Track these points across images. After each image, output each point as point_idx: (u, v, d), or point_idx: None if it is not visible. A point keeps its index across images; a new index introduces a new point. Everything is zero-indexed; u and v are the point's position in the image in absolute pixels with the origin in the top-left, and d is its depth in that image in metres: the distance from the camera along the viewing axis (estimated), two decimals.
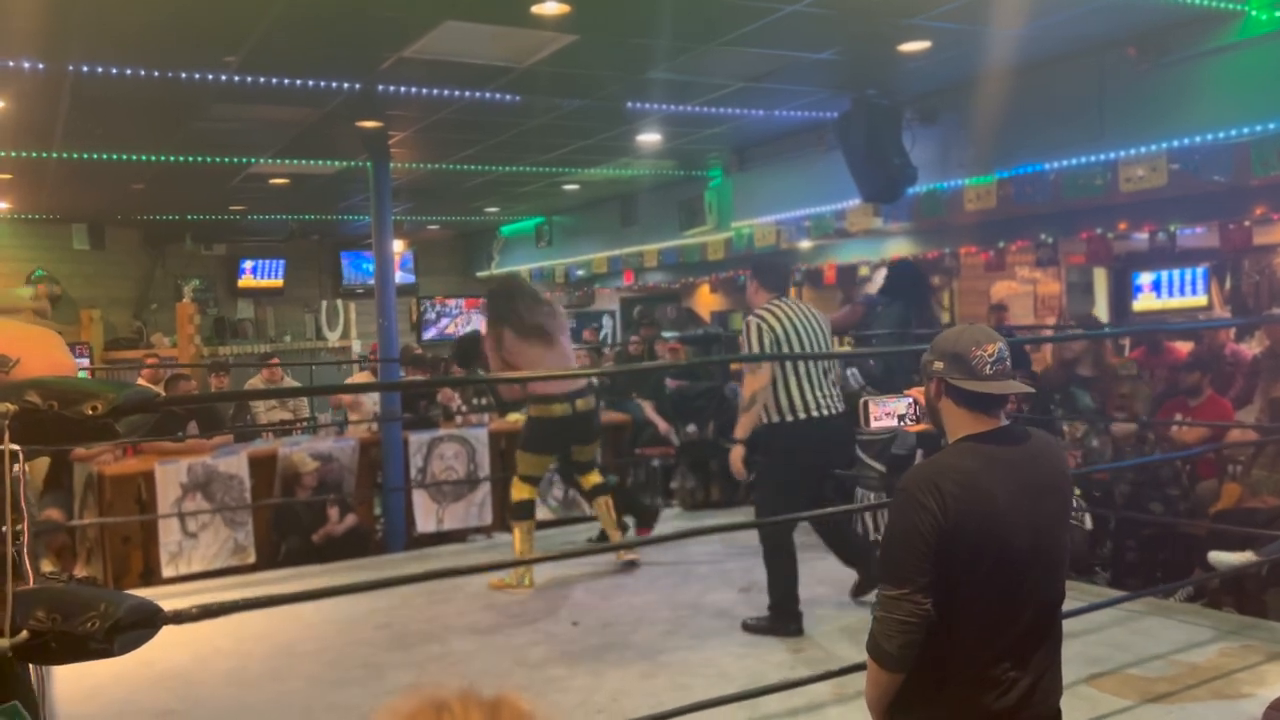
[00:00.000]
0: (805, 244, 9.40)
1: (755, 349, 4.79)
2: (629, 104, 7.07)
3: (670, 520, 7.60)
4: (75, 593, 2.22)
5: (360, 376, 9.84)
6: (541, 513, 7.18)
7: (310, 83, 6.14)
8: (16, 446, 2.01)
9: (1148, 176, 5.83)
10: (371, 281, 8.82)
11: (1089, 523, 5.97)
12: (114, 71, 5.61)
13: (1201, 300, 8.70)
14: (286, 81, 6.05)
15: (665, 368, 8.72)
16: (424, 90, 6.42)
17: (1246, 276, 9.83)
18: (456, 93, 6.52)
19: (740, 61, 6.10)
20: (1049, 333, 9.26)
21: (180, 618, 2.49)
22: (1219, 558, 5.18)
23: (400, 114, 7.10)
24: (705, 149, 9.17)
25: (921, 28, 5.53)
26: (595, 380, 6.84)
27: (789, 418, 4.79)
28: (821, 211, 8.41)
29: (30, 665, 2.27)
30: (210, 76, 5.85)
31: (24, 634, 2.05)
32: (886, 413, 2.67)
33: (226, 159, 8.49)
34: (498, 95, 6.61)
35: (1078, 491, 5.90)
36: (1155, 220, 7.14)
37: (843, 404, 4.96)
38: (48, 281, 11.61)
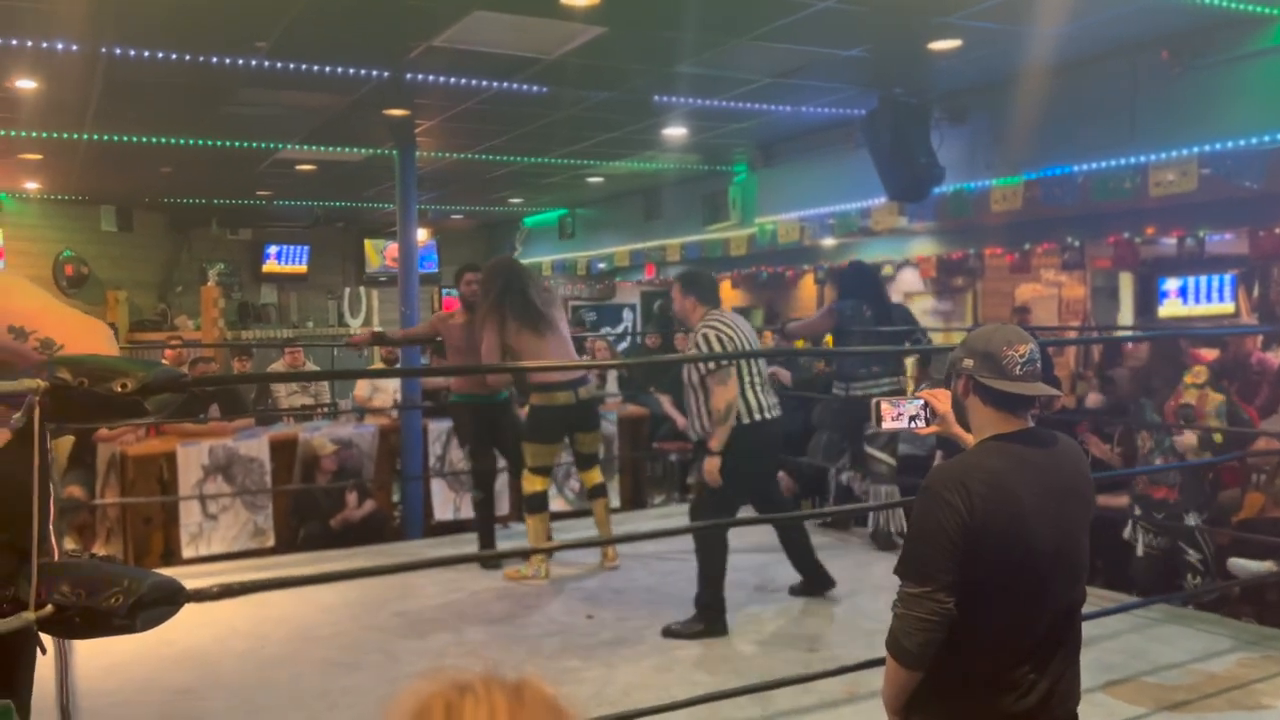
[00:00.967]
0: (829, 241, 9.37)
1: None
2: (656, 97, 7.07)
3: (687, 516, 7.60)
4: (100, 568, 2.24)
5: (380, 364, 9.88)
6: (558, 504, 7.18)
7: (339, 70, 6.17)
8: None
9: (1178, 181, 5.78)
10: (394, 269, 8.86)
11: (1140, 548, 5.86)
12: (146, 55, 5.65)
13: (1228, 308, 8.60)
14: (315, 68, 6.08)
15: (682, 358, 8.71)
16: (451, 79, 6.44)
17: (1275, 284, 9.72)
18: (484, 83, 6.54)
19: (768, 57, 6.08)
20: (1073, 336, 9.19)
21: (201, 596, 2.51)
22: (1240, 564, 5.14)
23: (427, 103, 7.12)
24: (731, 144, 9.15)
25: (953, 26, 5.49)
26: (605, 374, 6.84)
27: (745, 420, 4.88)
28: (846, 209, 8.39)
29: (52, 642, 2.30)
30: (240, 61, 5.89)
31: (49, 607, 2.07)
32: (898, 414, 2.66)
33: (254, 144, 8.55)
34: (525, 86, 6.62)
35: (1137, 512, 5.83)
36: (1184, 225, 7.08)
37: (780, 408, 5.16)
38: (75, 262, 11.73)
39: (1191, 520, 5.70)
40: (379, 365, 9.72)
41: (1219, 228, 7.08)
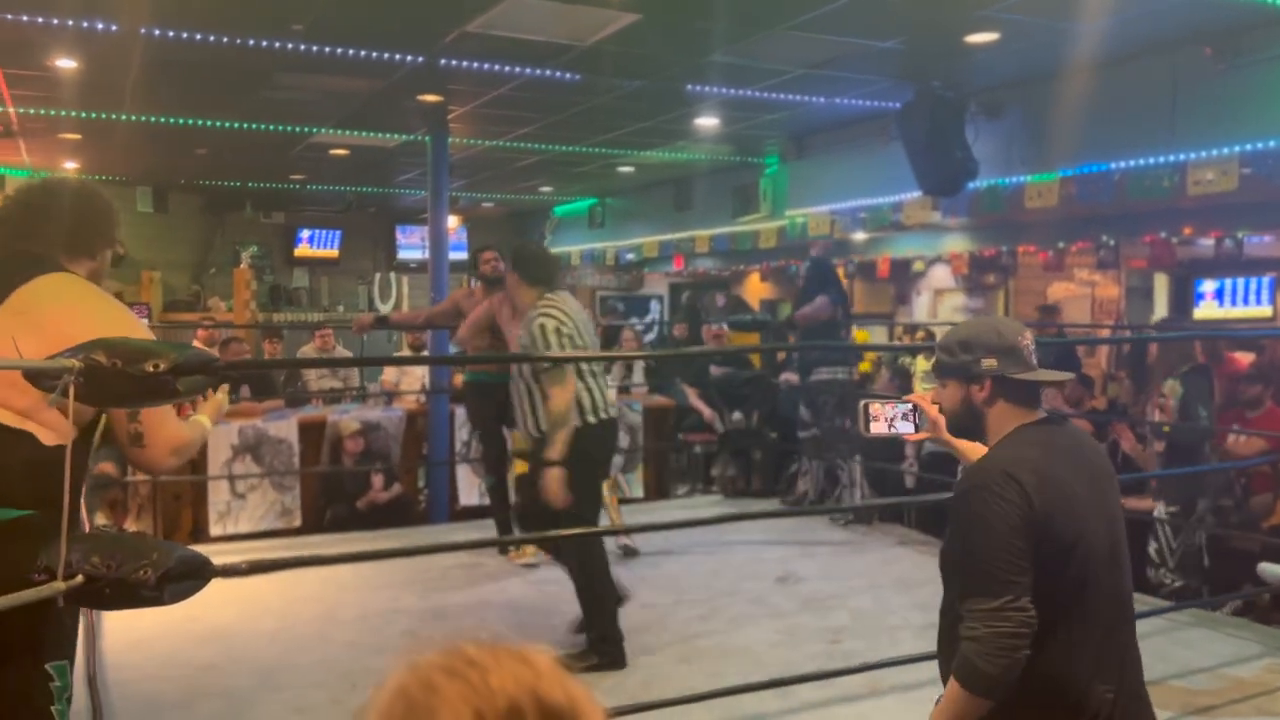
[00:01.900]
0: (860, 235, 9.31)
1: (555, 351, 4.28)
2: (689, 86, 7.05)
3: (711, 507, 7.60)
4: (129, 540, 2.27)
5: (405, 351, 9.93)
6: None
7: (374, 54, 6.20)
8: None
9: (1217, 180, 5.70)
10: (424, 255, 8.89)
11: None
12: (184, 36, 5.70)
13: (1266, 311, 8.48)
14: (350, 52, 6.11)
15: (709, 353, 8.70)
16: (485, 65, 6.45)
17: None
18: (517, 69, 6.54)
19: (803, 47, 6.04)
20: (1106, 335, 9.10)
21: (229, 571, 2.53)
22: (1269, 570, 5.07)
23: (461, 89, 7.14)
24: (763, 135, 9.11)
25: (991, 19, 5.44)
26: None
27: (592, 419, 4.33)
28: (878, 203, 8.33)
29: (81, 614, 2.34)
30: (277, 44, 5.93)
31: (79, 578, 2.10)
32: (888, 417, 2.49)
33: (288, 128, 8.61)
34: (558, 73, 6.62)
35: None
36: (1222, 225, 6.98)
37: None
38: None
39: (1159, 512, 5.85)
40: (406, 352, 9.77)
41: (1259, 229, 6.98)
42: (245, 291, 12.06)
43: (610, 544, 6.04)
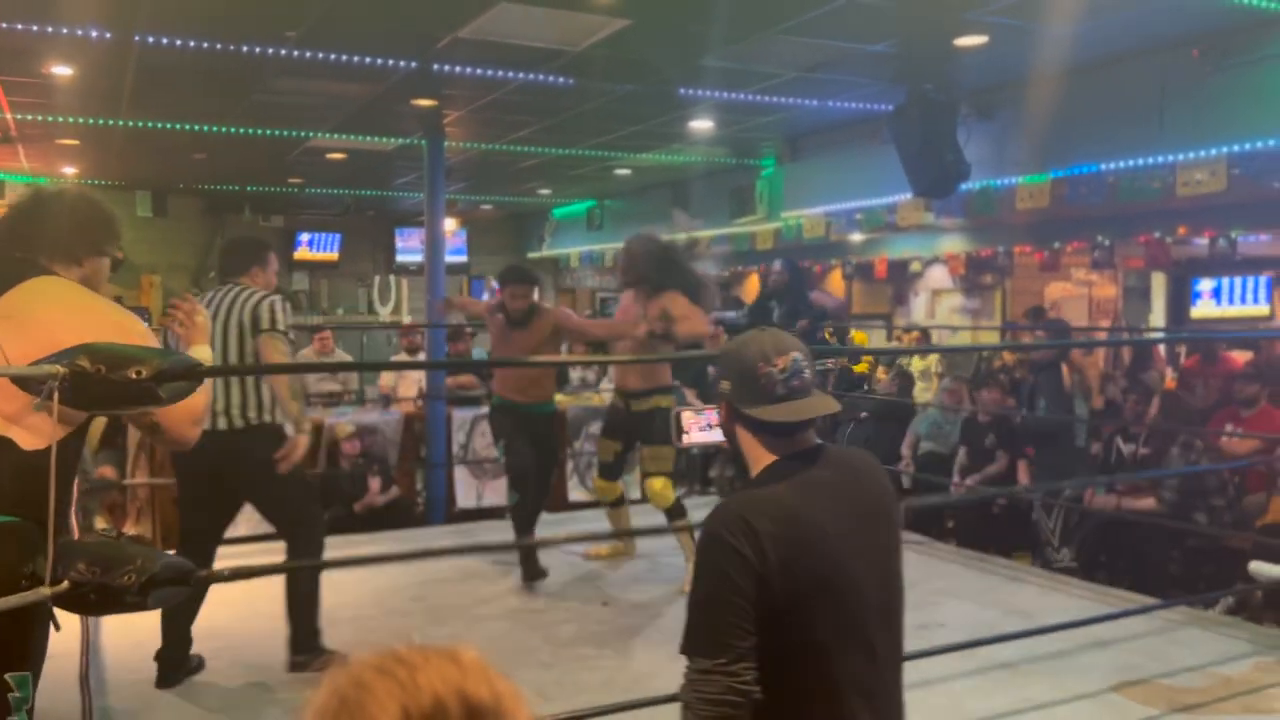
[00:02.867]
0: (856, 237, 9.34)
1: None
2: (682, 90, 7.08)
3: (708, 509, 7.63)
4: (114, 547, 2.30)
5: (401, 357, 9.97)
6: (579, 493, 7.22)
7: (367, 60, 6.24)
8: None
9: (1206, 181, 5.72)
10: (414, 256, 8.92)
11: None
12: (178, 42, 5.75)
13: (1263, 310, 8.48)
14: (344, 58, 6.15)
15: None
16: (479, 70, 6.48)
17: None
18: (511, 74, 6.58)
19: (795, 50, 6.07)
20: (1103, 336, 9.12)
21: (214, 578, 2.56)
22: (1260, 568, 5.09)
23: (455, 93, 7.18)
24: (758, 137, 9.15)
25: (979, 22, 5.47)
26: None
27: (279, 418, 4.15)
28: (873, 205, 8.36)
29: (79, 619, 2.37)
30: (271, 50, 5.97)
31: (65, 584, 2.13)
32: (701, 425, 2.39)
33: (285, 132, 8.65)
34: (551, 78, 6.65)
35: None
36: (1215, 225, 7.00)
37: None
38: None
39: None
40: (403, 356, 9.81)
41: (1251, 228, 6.99)
42: None
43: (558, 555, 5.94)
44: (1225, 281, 8.69)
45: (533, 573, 5.40)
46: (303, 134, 8.76)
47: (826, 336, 7.51)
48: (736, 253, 10.98)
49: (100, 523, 6.89)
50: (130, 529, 6.78)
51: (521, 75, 6.61)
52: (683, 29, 5.67)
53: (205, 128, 8.34)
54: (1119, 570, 6.19)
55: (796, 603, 1.73)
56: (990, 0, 5.08)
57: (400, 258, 14.75)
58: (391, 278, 14.50)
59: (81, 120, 8.03)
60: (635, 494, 7.83)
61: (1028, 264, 9.65)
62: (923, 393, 8.97)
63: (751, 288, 13.71)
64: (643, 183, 11.84)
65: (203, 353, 2.75)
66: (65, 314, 2.27)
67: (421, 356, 8.77)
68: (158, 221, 12.67)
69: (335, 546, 6.30)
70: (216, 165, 10.43)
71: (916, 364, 9.41)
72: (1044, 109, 6.41)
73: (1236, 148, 5.63)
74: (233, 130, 8.44)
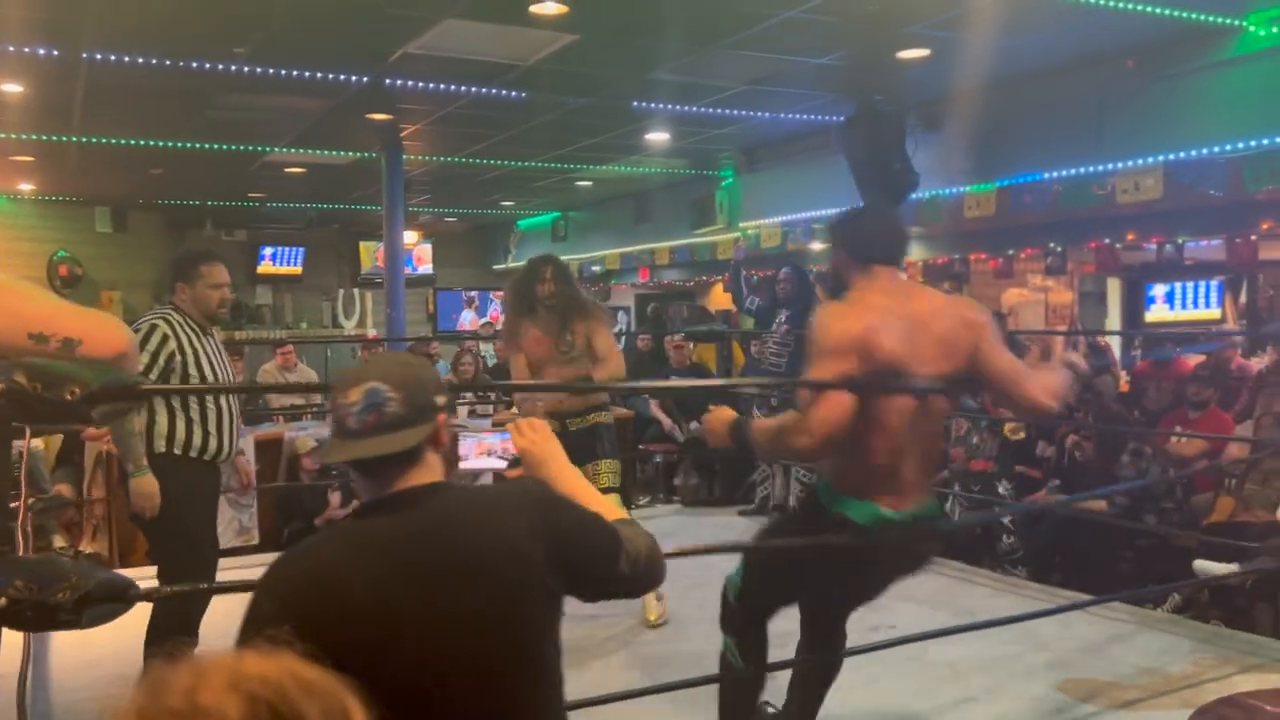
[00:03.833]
0: (815, 246, 9.43)
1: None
2: (635, 103, 7.14)
3: (672, 516, 7.69)
4: (52, 564, 2.32)
5: None
6: None
7: (319, 75, 6.25)
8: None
9: (1144, 188, 5.85)
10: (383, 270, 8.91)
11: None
12: (126, 59, 5.74)
13: (1215, 313, 8.64)
14: (295, 73, 6.16)
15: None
16: (431, 85, 6.52)
17: (1261, 291, 9.78)
18: (463, 88, 6.62)
19: (743, 64, 6.15)
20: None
21: (151, 595, 2.58)
22: (1204, 566, 5.20)
23: (410, 107, 7.20)
24: (715, 149, 9.23)
25: (920, 35, 5.57)
26: None
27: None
28: (827, 215, 8.45)
29: (23, 636, 2.37)
30: (220, 66, 5.97)
31: (2, 601, 2.15)
32: (483, 450, 2.21)
33: (242, 147, 8.63)
34: (504, 91, 6.70)
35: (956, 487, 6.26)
36: (1159, 232, 7.14)
37: None
38: (69, 263, 11.82)
39: (1002, 489, 6.32)
40: None
41: (1193, 234, 7.14)
42: None
43: None
44: (1178, 286, 8.85)
45: None
46: (260, 148, 8.74)
47: None
48: (698, 262, 11.06)
49: (58, 540, 6.85)
50: (87, 546, 6.73)
51: (474, 89, 6.65)
52: (630, 44, 5.73)
53: (161, 143, 8.31)
54: (1070, 571, 6.28)
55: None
56: (930, 14, 5.18)
57: (365, 270, 14.72)
58: (356, 291, 14.46)
59: (34, 137, 7.98)
60: None
61: (984, 270, 9.78)
62: None
63: (716, 296, 13.80)
64: (605, 194, 11.90)
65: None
66: None
67: None
68: (118, 237, 12.58)
69: None
70: (175, 180, 10.38)
71: None
72: (988, 120, 6.53)
73: (1172, 156, 5.77)
74: (189, 145, 8.42)
